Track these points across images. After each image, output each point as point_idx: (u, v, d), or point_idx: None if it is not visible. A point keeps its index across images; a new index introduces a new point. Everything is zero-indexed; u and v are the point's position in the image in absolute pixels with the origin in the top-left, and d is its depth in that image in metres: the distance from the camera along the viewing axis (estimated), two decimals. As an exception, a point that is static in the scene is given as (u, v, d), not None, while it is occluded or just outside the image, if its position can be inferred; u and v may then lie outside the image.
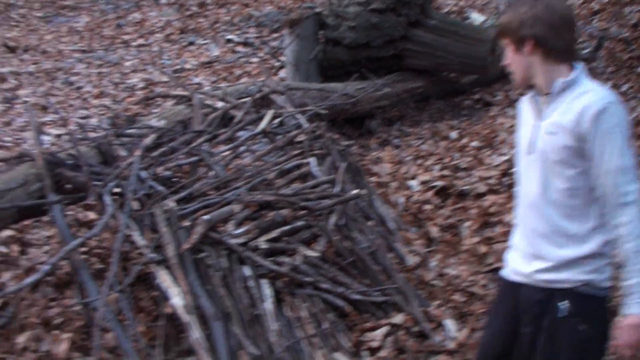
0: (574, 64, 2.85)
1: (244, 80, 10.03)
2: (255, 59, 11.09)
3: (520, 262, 2.97)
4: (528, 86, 2.92)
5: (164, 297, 4.08)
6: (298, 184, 5.29)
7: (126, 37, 13.31)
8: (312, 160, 5.42)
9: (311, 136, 5.79)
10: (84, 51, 12.56)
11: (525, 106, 3.01)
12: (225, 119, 6.12)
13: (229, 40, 12.56)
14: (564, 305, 2.77)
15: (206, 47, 12.38)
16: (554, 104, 2.81)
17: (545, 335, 2.85)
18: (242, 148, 5.85)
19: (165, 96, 8.60)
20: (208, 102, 6.60)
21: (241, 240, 4.48)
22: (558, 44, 2.81)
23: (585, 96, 2.72)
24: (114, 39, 13.25)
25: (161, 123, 6.20)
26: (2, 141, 7.58)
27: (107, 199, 4.58)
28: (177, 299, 3.93)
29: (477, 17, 11.90)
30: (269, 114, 6.11)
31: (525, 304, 2.90)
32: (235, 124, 6.04)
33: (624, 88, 9.32)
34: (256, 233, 4.57)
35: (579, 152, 2.72)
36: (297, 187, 5.10)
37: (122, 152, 5.47)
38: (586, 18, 12.21)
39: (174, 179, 5.37)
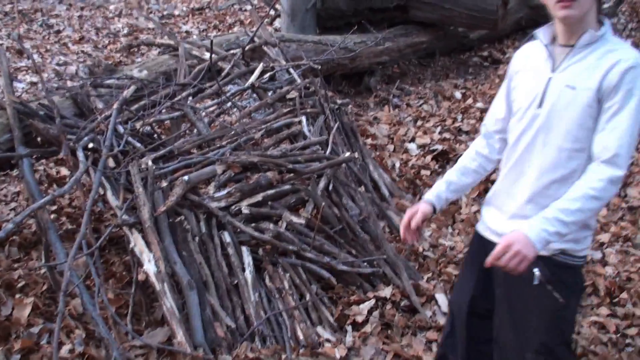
0: (601, 17, 2.83)
1: (235, 29, 9.97)
2: (249, 7, 10.99)
3: (499, 221, 3.02)
4: (530, 37, 2.92)
5: (137, 263, 4.05)
6: (287, 144, 5.25)
7: (112, -23, 13.20)
8: (304, 119, 5.37)
9: (303, 93, 5.74)
10: (65, -10, 12.46)
11: (533, 55, 2.97)
12: (213, 72, 6.05)
13: (222, -15, 12.46)
14: (539, 272, 2.79)
15: (197, -9, 12.29)
16: (575, 57, 2.78)
17: (518, 300, 2.92)
18: (228, 104, 5.79)
19: (150, 44, 8.53)
20: (195, 52, 6.53)
21: (222, 203, 4.45)
22: None
23: (615, 54, 2.70)
24: (99, -21, 13.15)
25: (143, 74, 6.14)
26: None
27: (81, 155, 4.50)
28: (149, 265, 3.90)
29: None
30: (259, 67, 6.05)
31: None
32: (222, 77, 5.97)
33: (647, 44, 9.30)
34: (239, 196, 4.53)
35: (594, 110, 2.71)
36: (286, 148, 5.07)
37: (100, 104, 5.41)
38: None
39: (153, 135, 5.32)
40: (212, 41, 5.91)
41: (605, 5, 10.55)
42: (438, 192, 3.22)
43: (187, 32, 10.12)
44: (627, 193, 6.27)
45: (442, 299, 4.53)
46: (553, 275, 2.80)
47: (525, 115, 2.90)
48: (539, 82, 2.85)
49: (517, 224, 2.81)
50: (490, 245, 2.91)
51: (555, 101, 2.78)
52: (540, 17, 9.98)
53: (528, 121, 2.89)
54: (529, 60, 2.98)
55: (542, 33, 2.90)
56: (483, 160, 3.26)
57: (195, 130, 5.32)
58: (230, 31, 9.69)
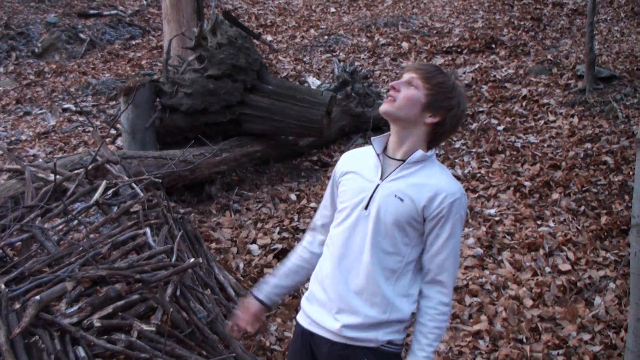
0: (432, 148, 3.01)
1: (80, 149, 9.84)
2: (91, 128, 10.91)
3: (324, 315, 2.97)
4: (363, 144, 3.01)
5: (-5, 385, 3.88)
6: (134, 255, 5.17)
7: (-39, 109, 12.86)
8: (148, 231, 5.30)
9: (146, 205, 5.68)
10: None
11: (364, 159, 3.02)
12: (58, 192, 5.92)
13: (65, 109, 12.31)
14: None
15: (42, 116, 12.10)
16: (405, 170, 2.87)
17: None
18: (75, 221, 5.66)
19: (-2, 170, 8.31)
20: (41, 174, 6.39)
21: (74, 319, 4.29)
22: (447, 133, 3.00)
23: (441, 179, 2.86)
24: (-53, 111, 12.79)
25: (-8, 199, 5.97)
26: None
27: None
28: (6, 387, 3.74)
29: (314, 81, 12.12)
30: (103, 184, 5.96)
31: (326, 357, 2.95)
32: (68, 196, 5.86)
33: (458, 144, 9.65)
34: (90, 310, 4.39)
35: (418, 225, 2.84)
36: (132, 259, 4.98)
37: (-51, 232, 5.21)
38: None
39: (5, 258, 5.14)
40: (55, 163, 5.81)
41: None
42: (268, 292, 3.31)
43: (34, 155, 9.92)
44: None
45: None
46: None
47: (352, 215, 2.92)
48: (368, 186, 2.91)
49: (347, 320, 2.87)
50: (315, 337, 2.96)
51: (381, 206, 2.84)
52: (361, 124, 10.31)
53: (353, 220, 2.91)
54: (359, 164, 3.03)
55: (376, 142, 2.98)
56: (311, 256, 3.27)
57: (44, 250, 5.17)
58: (75, 152, 9.54)
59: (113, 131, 10.33)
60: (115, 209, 5.76)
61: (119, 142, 9.76)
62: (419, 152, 2.86)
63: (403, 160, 2.89)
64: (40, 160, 8.92)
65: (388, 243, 2.84)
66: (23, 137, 11.05)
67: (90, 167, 6.30)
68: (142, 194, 5.94)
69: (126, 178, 6.43)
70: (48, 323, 4.19)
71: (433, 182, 2.83)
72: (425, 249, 2.89)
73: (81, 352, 4.13)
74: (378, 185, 2.88)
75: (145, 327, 4.41)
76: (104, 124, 11.22)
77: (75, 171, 6.42)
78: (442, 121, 2.90)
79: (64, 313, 4.34)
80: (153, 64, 14.67)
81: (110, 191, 5.97)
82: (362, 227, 2.88)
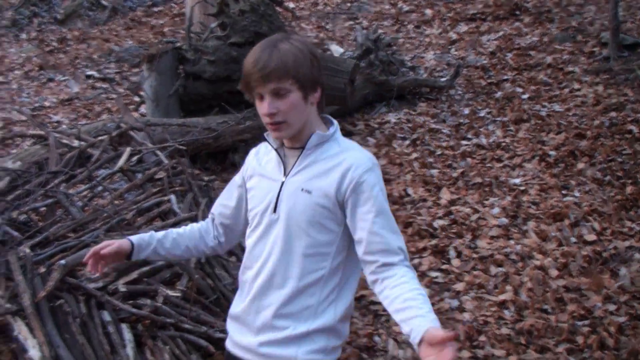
0: (329, 118, 2.71)
1: (104, 117, 9.84)
2: (115, 95, 10.90)
3: (246, 336, 2.67)
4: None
5: (22, 349, 3.89)
6: (158, 222, 5.17)
7: (-16, 75, 12.89)
8: (173, 197, 5.30)
9: (171, 172, 5.69)
10: (-60, 88, 12.12)
11: (265, 158, 2.74)
12: (83, 158, 5.94)
13: (88, 76, 12.32)
14: None
15: (66, 83, 12.11)
16: (306, 159, 2.57)
17: None
18: (100, 187, 5.68)
19: (23, 136, 8.35)
20: (65, 141, 6.41)
21: (99, 284, 4.33)
22: (324, 89, 2.64)
23: (347, 155, 2.54)
24: (-28, 77, 12.83)
25: (16, 165, 5.99)
26: None
27: (-42, 247, 4.37)
28: (34, 351, 3.75)
29: (336, 49, 12.04)
30: (127, 151, 5.97)
31: None
32: (92, 162, 5.87)
33: (483, 113, 9.59)
34: (115, 276, 4.42)
35: (336, 215, 2.53)
36: (157, 226, 4.98)
37: (-25, 197, 5.24)
38: (444, 47, 12.55)
39: (30, 223, 5.17)
40: (79, 129, 5.81)
41: (443, 79, 10.88)
42: (146, 239, 2.88)
43: (57, 122, 9.93)
44: (476, 244, 6.40)
45: None
46: None
47: (262, 222, 2.62)
48: (273, 187, 2.60)
49: (266, 337, 2.59)
50: None
51: (291, 206, 2.54)
52: (385, 92, 10.24)
53: (264, 227, 2.62)
54: (261, 164, 2.73)
55: (271, 137, 2.63)
56: (200, 241, 2.96)
57: (69, 216, 5.18)
58: (98, 119, 9.54)
59: (136, 98, 10.33)
60: (139, 175, 5.78)
61: (142, 109, 9.76)
62: (316, 134, 2.55)
63: (303, 148, 2.58)
64: (64, 126, 8.94)
65: (305, 245, 2.52)
66: (46, 104, 11.07)
67: (114, 133, 6.32)
68: (166, 161, 5.95)
69: (150, 145, 6.44)
70: (73, 287, 4.21)
71: (338, 161, 2.52)
72: (356, 234, 2.50)
73: (106, 316, 4.15)
74: (283, 182, 2.58)
75: (170, 292, 4.42)
76: (127, 91, 11.20)
77: (100, 138, 6.43)
78: (322, 87, 2.60)
79: (89, 278, 4.36)
80: (175, 32, 14.61)
81: (135, 158, 6.00)
82: (274, 233, 2.58)
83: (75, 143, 6.29)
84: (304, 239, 2.53)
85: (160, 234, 2.92)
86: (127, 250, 2.83)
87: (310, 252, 2.53)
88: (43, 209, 5.41)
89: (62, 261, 4.14)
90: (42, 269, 4.24)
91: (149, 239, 2.88)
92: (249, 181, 2.74)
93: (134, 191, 5.69)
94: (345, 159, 2.52)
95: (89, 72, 12.51)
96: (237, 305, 2.75)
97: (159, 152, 6.19)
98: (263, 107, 2.50)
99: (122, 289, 4.34)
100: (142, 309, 4.27)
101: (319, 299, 2.55)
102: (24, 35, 15.48)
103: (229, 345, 2.78)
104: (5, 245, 4.47)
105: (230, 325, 2.80)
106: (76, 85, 11.91)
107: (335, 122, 2.68)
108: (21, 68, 13.14)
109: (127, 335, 4.13)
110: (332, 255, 2.55)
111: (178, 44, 9.71)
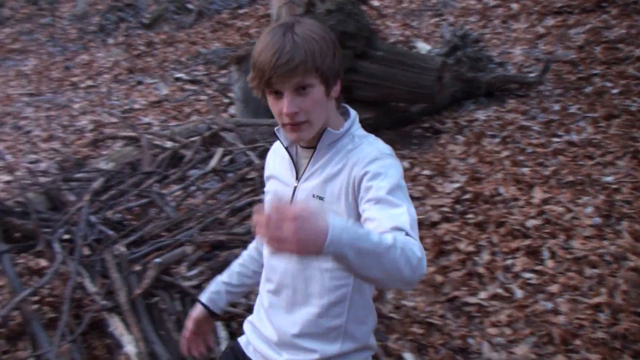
0: (347, 108, 2.41)
1: (193, 118, 9.93)
2: (204, 97, 10.99)
3: (266, 348, 2.43)
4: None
5: (118, 345, 3.95)
6: (251, 221, 5.18)
7: (74, 79, 13.19)
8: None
9: (262, 172, 5.70)
10: (32, 94, 12.46)
11: (279, 159, 2.44)
12: (175, 159, 6.02)
13: (177, 79, 12.47)
14: None
15: (155, 86, 12.28)
16: (318, 162, 2.27)
17: None
18: (192, 187, 5.74)
19: (114, 137, 8.49)
20: (157, 142, 6.50)
21: (195, 282, 4.36)
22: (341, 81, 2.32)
23: (362, 149, 2.21)
24: (62, 82, 13.12)
25: (110, 166, 6.10)
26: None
27: (56, 246, 4.48)
28: (130, 347, 3.81)
29: (423, 46, 11.96)
30: (219, 151, 6.02)
31: None
32: (185, 163, 5.94)
33: (573, 109, 9.40)
34: (210, 274, 4.44)
35: (352, 219, 2.14)
36: (250, 225, 4.99)
37: (71, 197, 5.35)
38: (532, 42, 12.36)
39: (124, 223, 5.25)
40: (172, 130, 5.88)
41: (532, 75, 10.70)
42: (213, 290, 2.66)
43: (147, 123, 10.07)
44: (570, 245, 6.27)
45: (409, 357, 4.47)
46: None
47: None
48: (286, 191, 2.32)
49: (287, 356, 2.33)
50: None
51: None
52: (473, 89, 10.11)
53: None
54: (276, 165, 2.45)
55: (282, 133, 2.32)
56: (257, 265, 2.64)
57: (163, 215, 5.25)
58: (188, 120, 9.65)
59: (225, 100, 10.41)
60: (231, 175, 5.81)
61: (231, 110, 9.83)
62: (328, 133, 2.23)
63: (315, 147, 2.27)
64: (155, 128, 9.07)
65: (324, 257, 1.90)
66: (136, 106, 11.23)
67: (206, 134, 6.37)
68: (257, 161, 5.97)
69: (241, 145, 6.47)
70: (168, 285, 4.26)
71: (347, 160, 2.19)
72: (374, 216, 2.03)
73: (202, 314, 4.18)
74: (296, 187, 2.30)
75: (264, 291, 4.43)
76: (216, 92, 11.30)
77: (192, 139, 6.50)
78: (341, 80, 2.29)
79: (184, 276, 4.40)
80: (261, 33, 14.70)
81: (226, 158, 6.04)
82: None
83: (168, 144, 6.38)
84: None
85: (224, 276, 2.69)
86: (204, 315, 2.66)
87: (328, 265, 2.21)
88: (136, 208, 5.49)
89: (158, 259, 4.21)
90: (138, 267, 4.31)
91: (216, 287, 2.67)
92: (267, 184, 2.51)
93: (225, 191, 5.73)
94: (351, 157, 2.19)
95: (177, 75, 12.66)
96: (260, 313, 2.49)
97: (249, 152, 6.23)
98: (282, 106, 2.16)
99: (217, 287, 4.36)
100: (236, 307, 4.29)
101: (349, 317, 2.28)
102: (111, 40, 15.78)
103: (245, 345, 2.54)
104: (100, 244, 4.55)
105: (249, 333, 2.54)
106: (165, 87, 12.07)
107: (353, 113, 2.38)
108: (110, 72, 13.38)
109: (222, 332, 4.16)
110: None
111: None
